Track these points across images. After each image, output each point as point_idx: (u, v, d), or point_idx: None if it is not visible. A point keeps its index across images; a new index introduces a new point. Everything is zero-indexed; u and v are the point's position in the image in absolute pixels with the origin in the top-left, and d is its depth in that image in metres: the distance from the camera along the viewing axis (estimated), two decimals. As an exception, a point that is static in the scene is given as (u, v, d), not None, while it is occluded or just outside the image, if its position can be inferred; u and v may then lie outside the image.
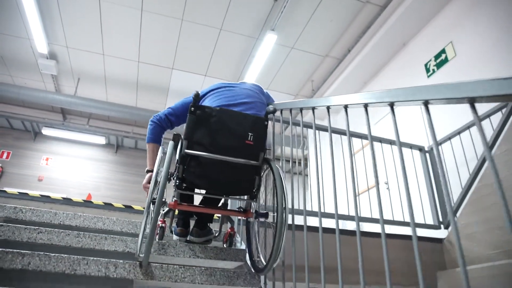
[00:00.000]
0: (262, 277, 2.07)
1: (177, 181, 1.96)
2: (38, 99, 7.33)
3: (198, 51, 6.55)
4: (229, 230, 2.36)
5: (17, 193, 2.92)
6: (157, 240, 2.18)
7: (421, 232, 2.67)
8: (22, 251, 1.76)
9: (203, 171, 1.95)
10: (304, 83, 7.18)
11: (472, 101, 0.86)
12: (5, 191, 2.95)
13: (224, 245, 2.40)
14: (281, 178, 1.84)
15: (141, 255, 1.78)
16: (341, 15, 5.54)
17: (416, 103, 1.05)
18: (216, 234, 2.44)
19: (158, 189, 1.79)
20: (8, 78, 7.54)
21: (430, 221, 3.61)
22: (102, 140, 9.10)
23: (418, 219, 3.55)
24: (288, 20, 5.61)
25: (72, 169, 9.08)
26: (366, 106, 1.37)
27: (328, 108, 1.81)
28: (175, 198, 2.05)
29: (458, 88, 0.88)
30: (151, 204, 1.91)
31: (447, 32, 4.82)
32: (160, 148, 2.14)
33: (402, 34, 5.35)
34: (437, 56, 4.92)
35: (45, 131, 8.48)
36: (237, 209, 2.21)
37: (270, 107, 2.06)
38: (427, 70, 5.05)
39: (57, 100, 7.47)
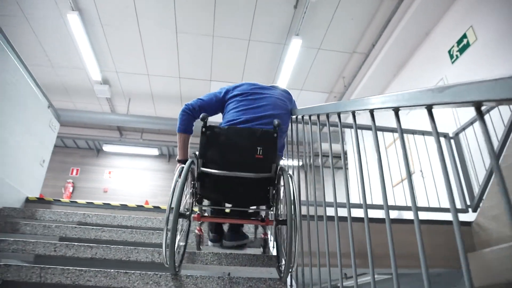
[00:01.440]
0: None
1: (197, 196, 2.09)
2: (97, 120, 8.30)
3: (231, 62, 7.06)
4: (262, 235, 2.46)
5: (85, 203, 3.58)
6: (196, 250, 2.34)
7: (449, 216, 2.88)
8: (91, 244, 2.32)
9: (216, 187, 2.06)
10: (336, 80, 7.43)
11: (478, 105, 0.75)
12: (76, 202, 3.61)
13: (261, 249, 2.51)
14: (290, 187, 1.83)
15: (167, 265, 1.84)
16: (361, 12, 5.76)
17: (420, 108, 0.99)
18: (253, 240, 2.58)
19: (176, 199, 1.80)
20: (71, 104, 8.57)
21: (457, 205, 3.78)
22: (155, 151, 9.95)
23: (445, 204, 3.74)
24: (310, 24, 5.93)
25: (131, 180, 10.02)
26: (371, 111, 1.37)
27: (339, 114, 1.73)
28: (198, 212, 2.18)
29: (461, 91, 0.78)
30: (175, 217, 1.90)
31: (466, 17, 4.90)
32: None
33: (423, 23, 5.46)
34: (459, 42, 5.00)
35: (106, 147, 9.47)
36: (255, 218, 2.33)
37: (275, 121, 2.00)
38: (451, 56, 5.14)
39: (113, 120, 8.38)
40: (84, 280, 1.94)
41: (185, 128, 2.28)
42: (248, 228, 2.85)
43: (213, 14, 5.85)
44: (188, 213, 2.03)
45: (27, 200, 3.45)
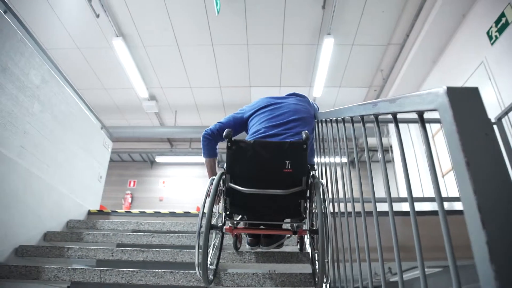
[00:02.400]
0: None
1: (227, 212, 2.07)
2: (148, 134, 8.89)
3: (268, 67, 7.26)
4: (299, 232, 2.33)
5: (138, 212, 3.94)
6: (234, 250, 2.48)
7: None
8: (142, 249, 2.62)
9: (244, 203, 2.02)
10: (374, 74, 7.37)
11: (420, 113, 0.85)
12: (130, 212, 4.00)
13: (298, 246, 2.57)
14: (321, 200, 1.80)
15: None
16: (391, 4, 5.72)
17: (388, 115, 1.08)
18: (289, 235, 2.61)
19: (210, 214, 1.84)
20: (124, 121, 9.24)
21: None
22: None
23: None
24: (341, 22, 5.97)
25: (183, 187, 10.55)
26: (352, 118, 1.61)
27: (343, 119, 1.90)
28: (230, 224, 2.17)
29: (405, 103, 0.89)
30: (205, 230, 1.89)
31: (504, -6, 4.72)
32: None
33: (458, 6, 5.30)
34: (497, 21, 4.82)
35: (158, 159, 10.06)
36: (289, 228, 2.35)
37: (303, 134, 1.90)
38: (490, 37, 4.96)
39: (163, 132, 8.93)
40: (136, 280, 2.22)
41: (209, 152, 2.31)
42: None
43: (244, 24, 6.09)
44: (220, 225, 2.08)
45: (89, 213, 3.88)
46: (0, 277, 2.36)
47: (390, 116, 1.01)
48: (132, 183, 10.55)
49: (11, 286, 2.52)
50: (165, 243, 2.93)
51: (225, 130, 1.92)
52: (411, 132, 6.28)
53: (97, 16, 5.73)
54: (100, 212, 3.90)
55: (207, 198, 1.86)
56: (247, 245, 2.45)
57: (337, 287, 1.92)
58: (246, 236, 2.50)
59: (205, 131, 2.30)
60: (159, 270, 2.26)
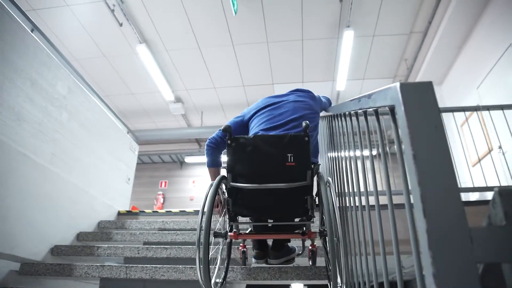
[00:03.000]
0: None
1: (230, 214, 1.99)
2: (176, 135, 9.13)
3: (289, 63, 7.29)
4: (310, 246, 2.22)
5: (165, 211, 4.11)
6: (241, 265, 2.31)
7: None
8: (166, 246, 2.75)
9: (248, 201, 1.94)
10: (398, 64, 7.23)
11: (391, 108, 0.85)
12: (157, 211, 4.17)
13: (310, 262, 2.27)
14: (328, 201, 1.71)
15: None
16: (411, -8, 5.61)
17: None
18: (300, 252, 2.39)
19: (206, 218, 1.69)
20: (153, 124, 9.53)
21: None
22: (232, 157, 10.55)
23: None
24: (360, 14, 5.91)
25: (214, 186, 10.73)
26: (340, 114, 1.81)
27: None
28: (234, 230, 2.07)
29: (378, 98, 0.93)
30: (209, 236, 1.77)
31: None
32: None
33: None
34: (524, 3, 4.64)
35: (187, 159, 10.30)
36: (296, 232, 2.09)
37: (304, 123, 1.82)
38: (518, 19, 4.78)
39: (190, 133, 9.14)
40: (159, 275, 2.35)
41: (212, 161, 2.21)
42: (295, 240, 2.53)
43: (263, 22, 6.15)
44: (224, 231, 2.01)
45: (119, 213, 4.09)
46: (37, 274, 2.56)
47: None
48: (163, 184, 10.87)
49: (47, 282, 2.72)
50: (188, 240, 3.06)
51: (224, 126, 1.89)
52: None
53: (121, 24, 5.97)
54: (129, 213, 4.09)
55: (206, 203, 1.74)
56: (253, 259, 2.32)
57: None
58: (253, 250, 2.35)
59: (209, 139, 2.24)
60: (180, 266, 2.38)
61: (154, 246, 2.82)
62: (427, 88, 0.73)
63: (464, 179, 5.35)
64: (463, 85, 6.05)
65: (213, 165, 2.23)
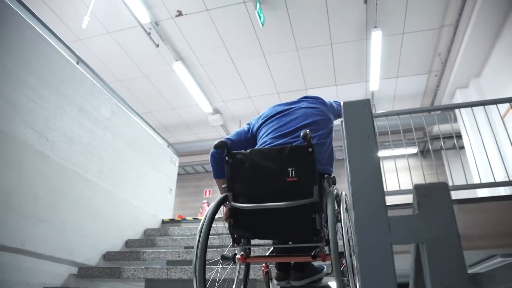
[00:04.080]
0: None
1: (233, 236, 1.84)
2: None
3: (321, 68, 7.40)
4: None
5: (192, 219, 4.42)
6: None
7: None
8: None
9: (248, 223, 1.77)
10: (432, 59, 7.11)
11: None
12: (197, 218, 4.48)
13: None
14: (332, 219, 1.56)
15: None
16: (437, -14, 5.56)
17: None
18: (330, 271, 2.17)
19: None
20: (193, 136, 9.99)
21: None
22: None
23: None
24: (386, 13, 5.93)
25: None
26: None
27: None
28: (242, 252, 1.89)
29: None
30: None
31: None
32: None
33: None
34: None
35: (229, 167, 10.66)
36: (307, 254, 1.77)
37: (303, 132, 1.64)
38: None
39: (230, 142, 9.48)
40: (195, 275, 2.61)
41: (218, 172, 1.95)
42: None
43: (290, 30, 6.34)
44: (233, 254, 1.89)
45: (163, 222, 4.43)
46: (92, 277, 2.91)
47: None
48: (207, 193, 11.29)
49: (100, 284, 3.06)
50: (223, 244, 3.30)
51: (217, 141, 1.77)
52: (478, 116, 5.97)
53: (157, 45, 6.41)
54: (172, 221, 4.42)
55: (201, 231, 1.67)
56: (274, 280, 2.15)
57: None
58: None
59: (213, 147, 2.02)
60: (215, 266, 2.61)
61: (192, 249, 3.09)
62: (364, 105, 0.90)
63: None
64: (504, 75, 5.86)
65: (219, 175, 1.99)
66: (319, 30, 6.36)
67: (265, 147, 1.92)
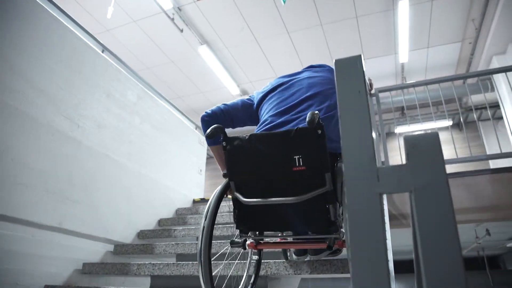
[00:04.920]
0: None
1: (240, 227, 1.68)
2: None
3: (347, 42, 7.22)
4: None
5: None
6: (284, 259, 2.14)
7: None
8: (231, 225, 3.09)
9: (253, 216, 1.62)
10: (465, 25, 6.75)
11: None
12: (226, 197, 4.58)
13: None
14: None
15: None
16: None
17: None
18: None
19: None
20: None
21: None
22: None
23: None
24: (413, -20, 5.69)
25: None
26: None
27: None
28: (251, 240, 1.76)
29: None
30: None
31: None
32: None
33: None
34: None
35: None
36: (324, 240, 1.67)
37: (309, 115, 1.35)
38: None
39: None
40: (223, 249, 2.70)
41: (210, 138, 1.65)
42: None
43: (314, 5, 6.21)
44: (243, 240, 1.72)
45: (193, 201, 4.57)
46: (127, 253, 3.08)
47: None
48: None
49: (135, 259, 3.24)
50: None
51: (211, 128, 1.54)
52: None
53: (181, 30, 6.48)
54: (203, 200, 4.55)
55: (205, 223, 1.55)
56: (293, 255, 2.13)
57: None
58: None
59: (205, 112, 1.93)
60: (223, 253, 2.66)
61: (221, 225, 3.19)
62: (355, 61, 0.90)
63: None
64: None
65: (212, 142, 1.85)
66: (343, 3, 6.19)
67: (266, 127, 1.70)
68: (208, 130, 1.55)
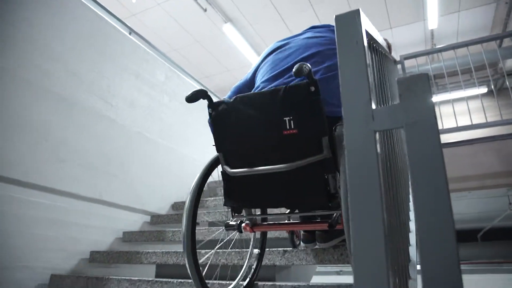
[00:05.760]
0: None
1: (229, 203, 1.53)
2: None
3: (372, 10, 6.99)
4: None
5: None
6: (292, 247, 1.98)
7: None
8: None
9: (243, 191, 1.47)
10: (500, -16, 6.43)
11: None
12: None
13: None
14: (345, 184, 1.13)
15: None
16: None
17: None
18: None
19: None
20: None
21: None
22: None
23: None
24: None
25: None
26: None
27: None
28: (246, 221, 1.65)
29: None
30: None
31: None
32: None
33: None
34: None
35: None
36: (326, 221, 1.49)
37: (296, 66, 1.18)
38: None
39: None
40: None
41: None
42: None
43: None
44: (238, 222, 1.63)
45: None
46: (162, 222, 3.29)
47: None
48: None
49: (170, 228, 3.45)
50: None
51: (192, 92, 1.48)
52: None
53: (205, 10, 6.55)
54: (232, 174, 4.72)
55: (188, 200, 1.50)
56: (301, 242, 1.98)
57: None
58: (300, 233, 1.98)
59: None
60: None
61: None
62: (354, 14, 0.96)
63: None
64: None
65: None
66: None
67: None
68: (189, 93, 1.45)
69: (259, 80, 1.65)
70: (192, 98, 1.46)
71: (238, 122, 1.39)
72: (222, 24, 6.98)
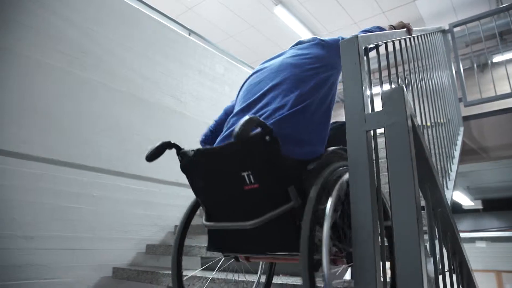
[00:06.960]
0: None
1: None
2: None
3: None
4: None
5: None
6: None
7: None
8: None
9: (219, 238, 1.43)
10: None
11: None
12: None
13: None
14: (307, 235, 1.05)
15: None
16: None
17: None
18: None
19: None
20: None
21: None
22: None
23: None
24: None
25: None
26: None
27: None
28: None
29: None
30: None
31: None
32: None
33: None
34: None
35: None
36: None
37: (238, 130, 1.04)
38: None
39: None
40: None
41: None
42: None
43: None
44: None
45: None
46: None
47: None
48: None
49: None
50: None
51: (150, 150, 1.40)
52: None
53: (256, -4, 6.86)
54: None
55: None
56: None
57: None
58: None
59: (200, 136, 1.85)
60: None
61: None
62: (352, 40, 1.28)
63: None
64: None
65: None
66: None
67: (226, 132, 1.45)
68: (149, 151, 1.40)
69: (233, 112, 1.53)
70: (155, 153, 1.40)
71: (201, 175, 1.35)
72: (273, 6, 7.22)
